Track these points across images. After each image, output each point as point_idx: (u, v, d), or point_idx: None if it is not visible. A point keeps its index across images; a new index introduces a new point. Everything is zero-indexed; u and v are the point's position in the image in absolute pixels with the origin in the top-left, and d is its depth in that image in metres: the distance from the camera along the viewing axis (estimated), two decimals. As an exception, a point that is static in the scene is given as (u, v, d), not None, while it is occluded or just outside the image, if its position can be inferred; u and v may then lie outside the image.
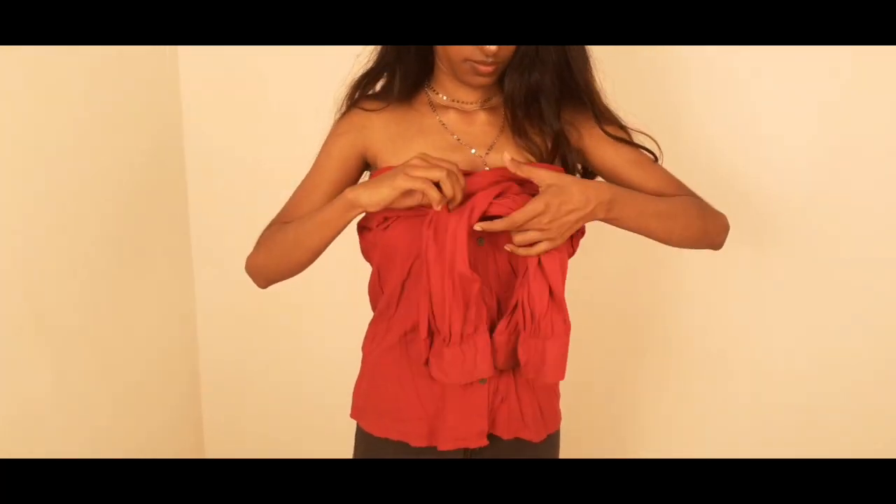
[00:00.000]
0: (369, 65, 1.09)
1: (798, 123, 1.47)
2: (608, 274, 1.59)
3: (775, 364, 1.59)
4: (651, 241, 1.06)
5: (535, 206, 0.91)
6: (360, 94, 1.10)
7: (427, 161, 0.92)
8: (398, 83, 1.05)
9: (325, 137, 1.10)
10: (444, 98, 1.07)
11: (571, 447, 1.28)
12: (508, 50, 0.99)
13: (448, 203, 0.93)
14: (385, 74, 1.08)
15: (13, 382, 1.29)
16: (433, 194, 0.90)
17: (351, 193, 0.96)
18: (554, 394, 1.13)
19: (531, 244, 0.94)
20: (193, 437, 1.89)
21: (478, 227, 0.93)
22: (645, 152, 1.09)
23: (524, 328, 0.97)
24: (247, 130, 1.69)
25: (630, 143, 1.08)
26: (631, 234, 1.04)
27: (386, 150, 1.05)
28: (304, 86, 1.59)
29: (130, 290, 1.60)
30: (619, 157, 1.07)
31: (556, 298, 0.96)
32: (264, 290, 1.12)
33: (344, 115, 1.09)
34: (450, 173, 0.91)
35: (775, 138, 1.49)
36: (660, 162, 1.10)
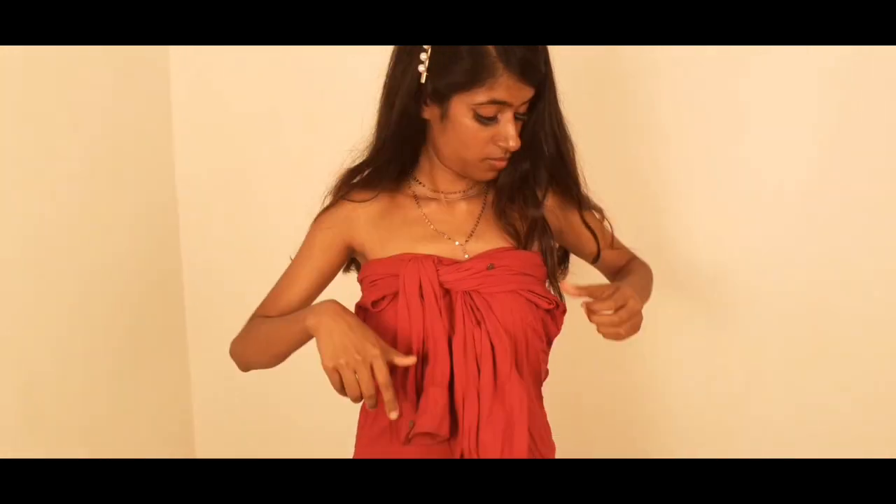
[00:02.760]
0: (361, 159, 1.09)
1: (789, 126, 1.47)
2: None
3: (770, 363, 1.59)
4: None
5: (624, 291, 1.00)
6: (350, 187, 1.09)
7: (349, 356, 0.91)
8: (389, 175, 1.06)
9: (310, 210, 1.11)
10: (428, 190, 1.09)
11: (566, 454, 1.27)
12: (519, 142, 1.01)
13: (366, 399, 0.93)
14: (374, 166, 1.08)
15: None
16: (350, 394, 0.93)
17: (312, 320, 0.94)
18: (545, 427, 1.13)
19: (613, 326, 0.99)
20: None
21: (573, 289, 1.00)
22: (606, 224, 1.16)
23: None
24: (239, 145, 1.70)
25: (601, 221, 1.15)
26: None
27: (372, 240, 1.07)
28: (294, 92, 1.62)
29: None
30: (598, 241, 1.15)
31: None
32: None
33: (330, 207, 1.10)
34: (361, 371, 0.91)
35: (765, 141, 1.49)
36: (611, 228, 1.17)
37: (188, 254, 1.78)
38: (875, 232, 1.48)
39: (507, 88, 0.95)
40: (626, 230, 1.21)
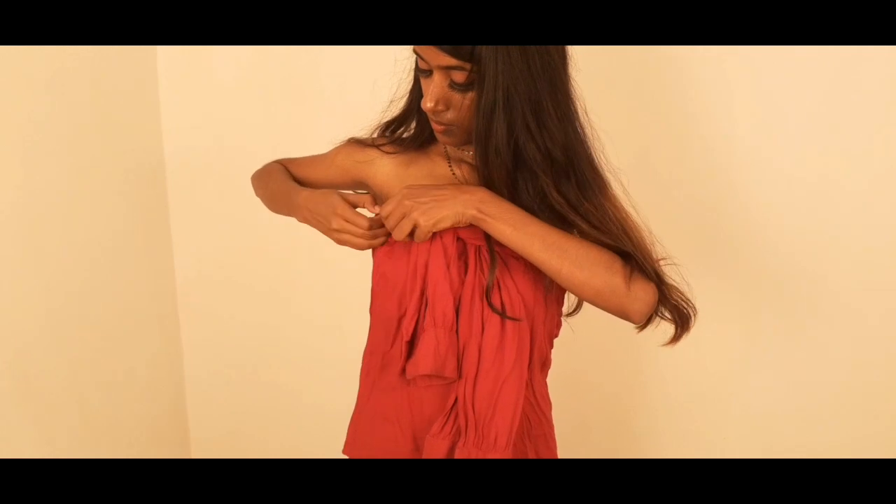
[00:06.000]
0: (397, 111, 1.10)
1: (793, 127, 1.45)
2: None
3: (767, 362, 1.59)
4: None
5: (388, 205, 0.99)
6: (382, 136, 1.11)
7: (346, 217, 0.99)
8: (419, 132, 1.08)
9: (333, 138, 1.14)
10: (458, 150, 1.08)
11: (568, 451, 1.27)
12: (454, 113, 0.97)
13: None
14: (413, 122, 1.09)
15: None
16: (362, 244, 1.00)
17: (300, 198, 1.05)
18: (549, 437, 1.13)
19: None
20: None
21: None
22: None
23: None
24: (227, 132, 1.71)
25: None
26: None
27: (389, 186, 1.08)
28: (286, 88, 1.62)
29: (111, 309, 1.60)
30: None
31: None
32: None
33: (363, 141, 1.12)
34: (371, 225, 0.99)
35: (768, 143, 1.47)
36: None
37: (179, 243, 1.78)
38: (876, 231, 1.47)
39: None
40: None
